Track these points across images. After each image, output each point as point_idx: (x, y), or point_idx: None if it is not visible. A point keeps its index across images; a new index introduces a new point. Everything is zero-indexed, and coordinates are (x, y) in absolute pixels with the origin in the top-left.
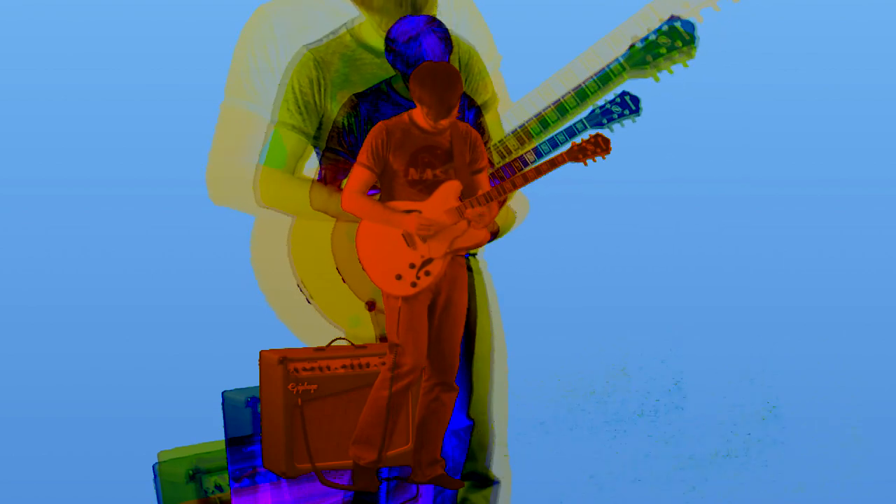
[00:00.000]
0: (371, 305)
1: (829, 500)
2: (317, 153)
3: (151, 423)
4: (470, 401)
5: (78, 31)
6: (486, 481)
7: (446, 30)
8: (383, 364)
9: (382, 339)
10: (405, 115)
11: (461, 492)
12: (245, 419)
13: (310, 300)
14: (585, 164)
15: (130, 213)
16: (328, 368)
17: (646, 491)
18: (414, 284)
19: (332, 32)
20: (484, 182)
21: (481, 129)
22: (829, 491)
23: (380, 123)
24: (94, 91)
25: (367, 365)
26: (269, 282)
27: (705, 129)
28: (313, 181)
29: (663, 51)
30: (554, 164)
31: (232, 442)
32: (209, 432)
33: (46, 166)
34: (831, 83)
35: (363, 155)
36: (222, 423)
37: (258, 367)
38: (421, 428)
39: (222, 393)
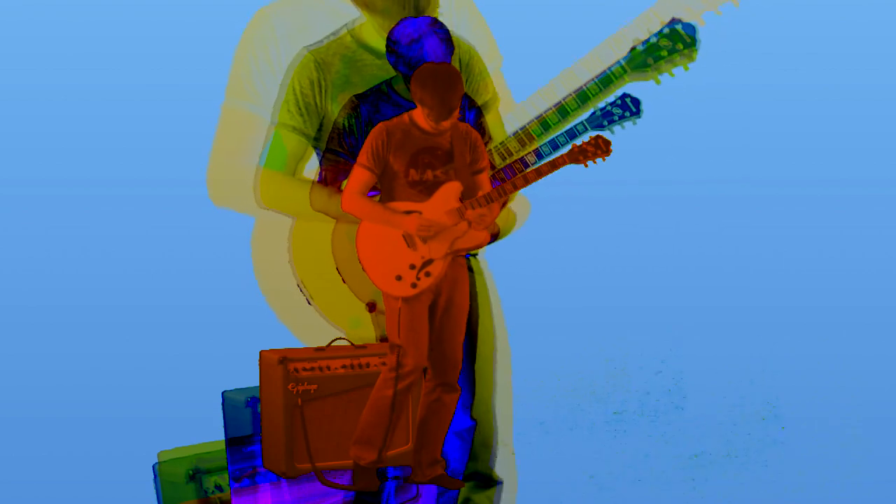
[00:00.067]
0: (372, 307)
1: (829, 500)
2: (317, 154)
3: (151, 423)
4: (473, 401)
5: (78, 31)
6: (489, 482)
7: (448, 31)
8: (384, 364)
9: (383, 340)
10: (405, 116)
11: (464, 492)
12: (245, 419)
13: (310, 301)
14: (586, 166)
15: (130, 213)
16: (328, 368)
17: (646, 491)
18: (414, 285)
19: (333, 34)
20: (485, 183)
21: (482, 129)
22: (829, 491)
23: (380, 124)
24: (95, 91)
25: (368, 365)
26: (270, 283)
27: (705, 129)
28: (313, 182)
29: (664, 53)
30: (554, 165)
31: (232, 442)
32: (209, 432)
33: (46, 166)
34: (831, 83)
35: (363, 156)
36: (222, 423)
37: (258, 367)
38: (422, 428)
39: (222, 393)
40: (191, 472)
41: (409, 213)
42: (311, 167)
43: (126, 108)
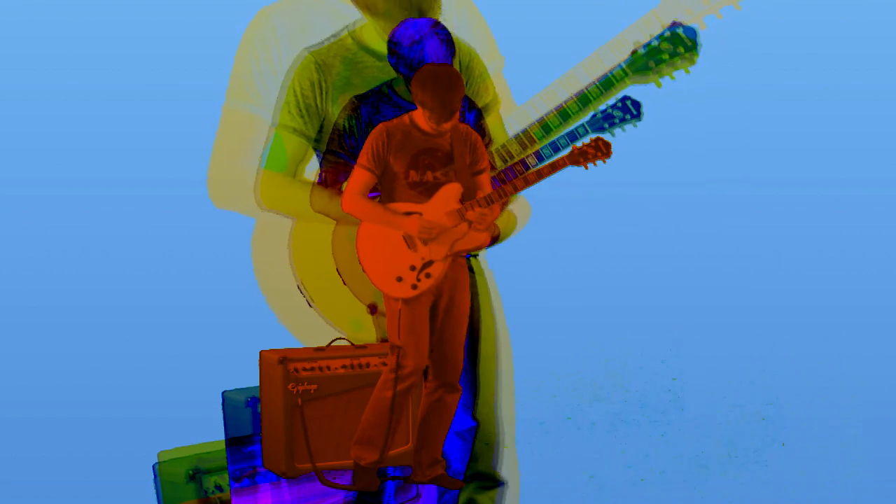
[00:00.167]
0: (373, 309)
1: (829, 500)
2: (317, 156)
3: (151, 423)
4: (476, 402)
5: (78, 31)
6: (492, 482)
7: (449, 33)
8: (384, 365)
9: (384, 341)
10: (406, 117)
11: (467, 492)
12: (245, 419)
13: (311, 303)
14: (586, 168)
15: (130, 213)
16: (328, 368)
17: (646, 491)
18: (415, 287)
19: (334, 35)
20: (485, 184)
21: (482, 131)
22: (829, 491)
23: (380, 125)
24: (95, 91)
25: (367, 365)
26: (270, 284)
27: (705, 129)
28: (314, 184)
29: (665, 56)
30: (555, 167)
31: (232, 442)
32: (209, 432)
33: (46, 166)
34: (831, 83)
35: (363, 157)
36: (222, 423)
37: (258, 367)
38: (423, 428)
39: (222, 393)
40: (191, 472)
41: (409, 214)
42: (312, 168)
43: (126, 108)
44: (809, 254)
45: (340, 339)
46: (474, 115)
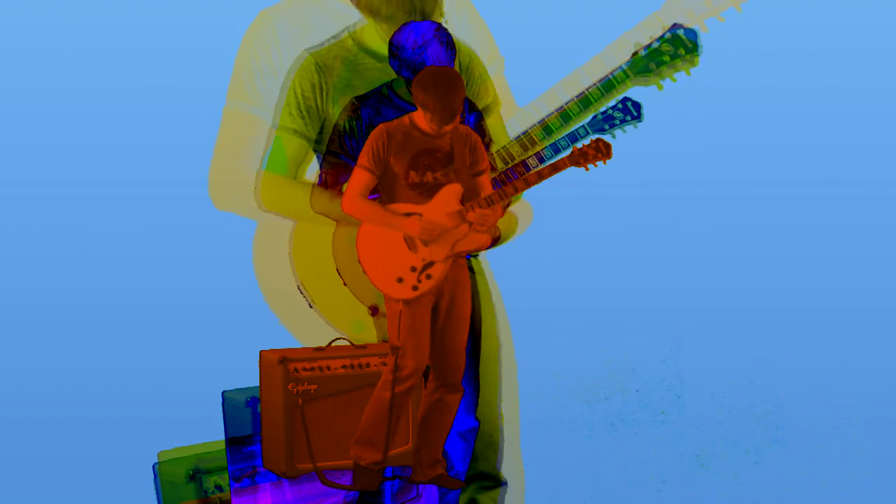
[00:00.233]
0: (374, 310)
1: (829, 500)
2: (318, 157)
3: (151, 423)
4: (477, 402)
5: (78, 31)
6: (494, 482)
7: (450, 36)
8: (384, 365)
9: (385, 342)
10: (406, 118)
11: (468, 492)
12: (245, 419)
13: (311, 304)
14: (587, 169)
15: (131, 213)
16: (328, 368)
17: (646, 491)
18: (415, 288)
19: (334, 36)
20: (485, 184)
21: (483, 132)
22: (829, 491)
23: (380, 126)
24: (95, 91)
25: (367, 365)
26: (271, 285)
27: (705, 129)
28: (314, 185)
29: (666, 59)
30: (556, 168)
31: (232, 442)
32: (209, 432)
33: (46, 166)
34: (831, 83)
35: (364, 157)
36: (222, 423)
37: (258, 367)
38: (423, 428)
39: (222, 393)
40: (191, 472)
41: (409, 215)
42: (313, 170)
43: (126, 108)
44: (809, 254)
45: (340, 338)
46: (475, 116)
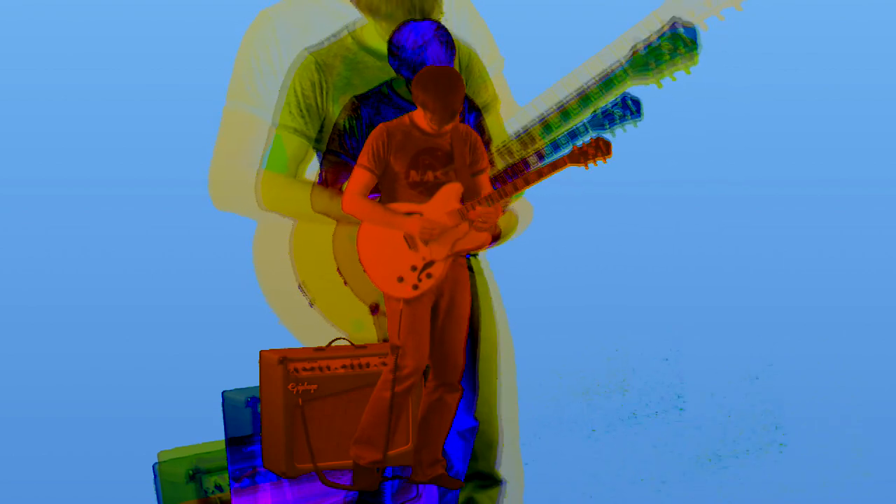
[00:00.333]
0: (374, 309)
1: (830, 500)
2: (318, 156)
3: (151, 423)
4: (476, 402)
5: (78, 31)
6: (492, 481)
7: (450, 35)
8: (384, 365)
9: (385, 341)
10: (406, 118)
11: (467, 491)
12: (245, 419)
13: (312, 304)
14: (587, 168)
15: (131, 213)
16: (328, 368)
17: (646, 491)
18: (416, 287)
19: (333, 35)
20: (485, 183)
21: (482, 131)
22: (830, 491)
23: (380, 125)
24: (95, 91)
25: (368, 365)
26: (272, 284)
27: (706, 129)
28: (314, 184)
29: (666, 57)
30: (555, 167)
31: (232, 442)
32: (209, 432)
33: (46, 166)
34: (832, 83)
35: (364, 157)
36: (222, 423)
37: (258, 367)
38: (423, 428)
39: (222, 393)
40: (191, 472)
41: (409, 214)
42: (313, 169)
43: (126, 108)
44: (810, 254)
45: (341, 338)
46: (474, 115)
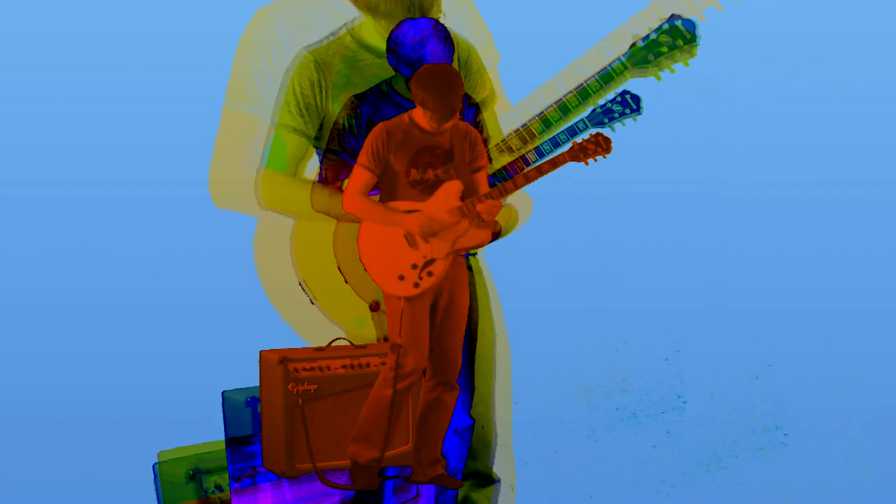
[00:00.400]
0: (375, 307)
1: (830, 500)
2: (318, 155)
3: (151, 423)
4: (472, 401)
5: (78, 31)
6: (487, 480)
7: (449, 33)
8: (384, 364)
9: (385, 340)
10: (405, 116)
11: (463, 490)
12: (245, 419)
13: (313, 301)
14: (587, 164)
15: (131, 213)
16: (328, 368)
17: (646, 491)
18: (416, 285)
19: (332, 34)
20: (482, 181)
21: (480, 126)
22: (830, 491)
23: (380, 124)
24: (95, 91)
25: (367, 365)
26: (272, 283)
27: (707, 129)
28: (314, 183)
29: (665, 50)
30: (555, 163)
31: (232, 442)
32: (209, 432)
33: (46, 166)
34: (833, 85)
35: (363, 156)
36: (222, 423)
37: (258, 367)
38: (422, 427)
39: (222, 393)
40: (191, 472)
41: (410, 212)
42: (313, 167)
43: (126, 108)
44: (811, 255)
45: (340, 338)
46: (473, 111)
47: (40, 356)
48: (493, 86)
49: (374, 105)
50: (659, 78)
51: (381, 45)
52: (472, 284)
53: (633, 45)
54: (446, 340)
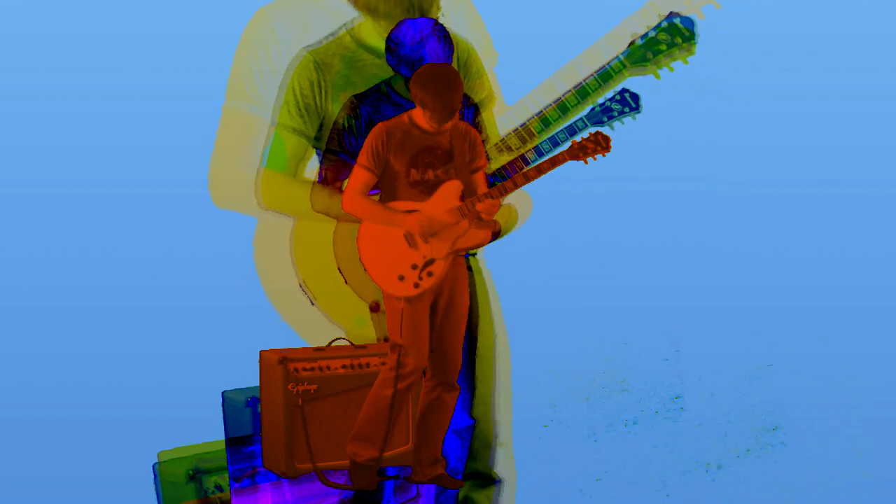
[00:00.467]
0: (375, 307)
1: (830, 500)
2: (318, 155)
3: (151, 423)
4: (472, 400)
5: (78, 31)
6: (488, 480)
7: (448, 33)
8: (384, 364)
9: (385, 340)
10: (405, 116)
11: (463, 490)
12: (245, 419)
13: (313, 302)
14: (586, 163)
15: (131, 213)
16: (328, 368)
17: (646, 492)
18: (417, 285)
19: (332, 34)
20: (481, 181)
21: (479, 127)
22: (830, 491)
23: (380, 124)
24: (94, 91)
25: (367, 365)
26: (273, 283)
27: (706, 127)
28: (314, 183)
29: (663, 48)
30: (555, 162)
31: (232, 442)
32: (209, 432)
33: (46, 166)
34: (831, 83)
35: (363, 156)
36: (222, 423)
37: (258, 367)
38: (422, 427)
39: (222, 393)
40: (191, 472)
41: (410, 212)
42: (313, 167)
43: (126, 108)
44: (810, 253)
45: (340, 338)
46: (472, 111)
47: (40, 356)
48: (491, 87)
49: (373, 105)
50: (658, 76)
51: (381, 45)
52: (471, 284)
53: (632, 43)
54: (446, 340)
